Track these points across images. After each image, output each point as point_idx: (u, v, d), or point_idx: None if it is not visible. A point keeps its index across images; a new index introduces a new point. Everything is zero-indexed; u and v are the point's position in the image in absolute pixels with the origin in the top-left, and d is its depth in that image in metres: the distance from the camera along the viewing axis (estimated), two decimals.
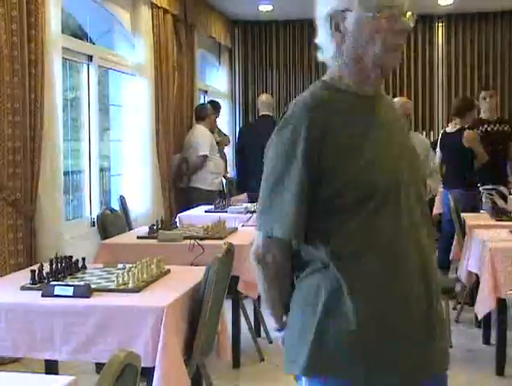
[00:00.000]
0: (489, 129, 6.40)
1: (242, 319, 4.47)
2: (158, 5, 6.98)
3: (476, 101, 6.64)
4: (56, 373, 3.41)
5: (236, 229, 4.82)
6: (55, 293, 2.85)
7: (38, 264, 3.19)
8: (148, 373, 2.64)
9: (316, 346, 1.76)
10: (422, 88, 10.23)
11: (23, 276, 3.21)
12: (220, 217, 4.98)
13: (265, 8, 9.49)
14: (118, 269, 3.27)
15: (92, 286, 2.95)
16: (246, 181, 7.21)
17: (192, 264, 3.96)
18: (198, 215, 5.69)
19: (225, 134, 8.83)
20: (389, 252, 1.77)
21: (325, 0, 1.84)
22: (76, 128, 6.28)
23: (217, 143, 7.57)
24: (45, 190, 4.80)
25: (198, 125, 7.44)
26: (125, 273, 3.03)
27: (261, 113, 7.50)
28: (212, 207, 5.91)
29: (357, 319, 1.73)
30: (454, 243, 5.52)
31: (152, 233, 4.50)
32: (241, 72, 10.65)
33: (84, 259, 3.38)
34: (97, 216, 4.83)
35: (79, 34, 6.48)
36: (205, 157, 7.08)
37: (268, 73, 10.59)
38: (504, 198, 5.94)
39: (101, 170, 6.58)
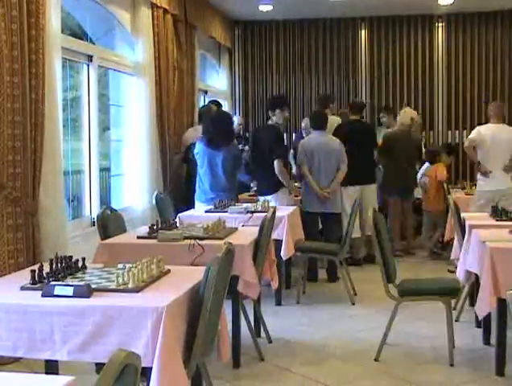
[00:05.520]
0: None
1: (242, 319, 4.48)
2: (158, 5, 6.98)
3: None
4: (56, 373, 3.42)
5: (236, 229, 4.82)
6: (55, 293, 2.85)
7: (38, 264, 3.19)
8: (148, 373, 2.64)
9: None
10: (422, 88, 10.24)
11: (23, 276, 3.21)
12: (220, 217, 4.98)
13: (265, 8, 9.49)
14: (118, 269, 3.26)
15: (93, 286, 2.95)
16: None
17: (192, 264, 3.96)
18: (198, 215, 5.69)
19: None
20: None
21: None
22: (76, 128, 6.28)
23: None
24: (46, 190, 4.80)
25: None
26: (125, 273, 3.03)
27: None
28: (212, 207, 5.92)
29: None
30: (454, 243, 5.52)
31: (152, 233, 4.50)
32: (241, 72, 10.65)
33: (84, 259, 3.38)
34: (97, 216, 4.82)
35: (79, 34, 6.48)
36: None
37: (268, 73, 10.59)
38: None
39: (101, 170, 6.58)
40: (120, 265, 3.37)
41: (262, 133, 6.83)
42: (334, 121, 7.82)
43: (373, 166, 7.85)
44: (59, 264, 3.16)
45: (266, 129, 6.91)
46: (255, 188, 7.43)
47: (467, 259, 4.62)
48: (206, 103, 8.48)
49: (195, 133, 7.29)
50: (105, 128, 7.01)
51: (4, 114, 4.35)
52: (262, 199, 6.45)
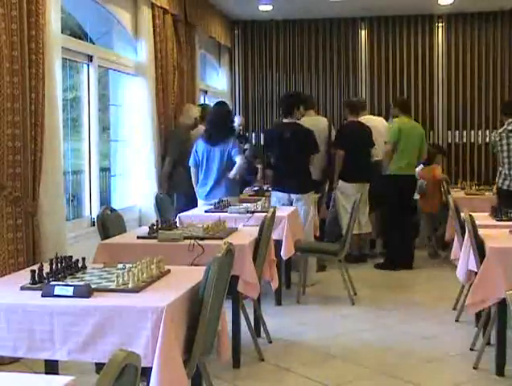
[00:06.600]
0: None
1: (242, 319, 4.47)
2: (159, 5, 6.98)
3: None
4: (56, 373, 3.41)
5: (236, 229, 4.82)
6: (55, 293, 2.85)
7: (38, 264, 3.19)
8: (148, 373, 2.64)
9: None
10: (422, 88, 10.23)
11: (23, 276, 3.21)
12: (220, 217, 4.98)
13: (265, 8, 9.49)
14: (118, 269, 3.27)
15: (92, 286, 2.95)
16: None
17: (191, 264, 3.96)
18: (198, 215, 5.69)
19: None
20: None
21: None
22: (76, 128, 6.28)
23: None
24: (46, 190, 4.80)
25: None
26: (125, 273, 3.03)
27: None
28: (212, 207, 5.92)
29: None
30: (454, 243, 5.52)
31: (152, 233, 4.50)
32: (241, 72, 10.65)
33: (84, 259, 3.38)
34: (97, 216, 4.82)
35: (79, 34, 6.48)
36: None
37: (268, 73, 10.59)
38: None
39: (101, 170, 6.58)
40: (120, 265, 3.37)
41: (286, 132, 6.54)
42: (320, 121, 7.84)
43: (370, 165, 7.75)
44: (59, 264, 3.16)
45: (288, 126, 6.60)
46: (256, 188, 7.44)
47: (467, 259, 4.62)
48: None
49: (197, 133, 7.28)
50: (105, 128, 7.01)
51: (4, 114, 4.35)
52: (293, 197, 6.45)
